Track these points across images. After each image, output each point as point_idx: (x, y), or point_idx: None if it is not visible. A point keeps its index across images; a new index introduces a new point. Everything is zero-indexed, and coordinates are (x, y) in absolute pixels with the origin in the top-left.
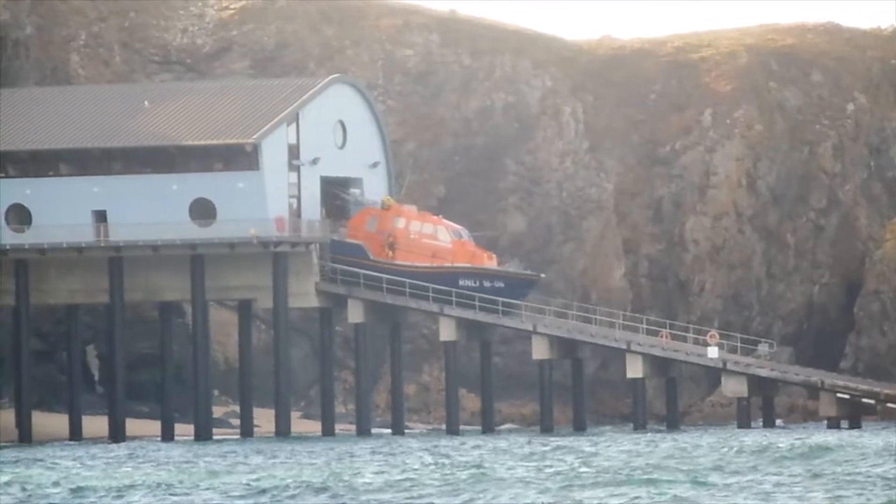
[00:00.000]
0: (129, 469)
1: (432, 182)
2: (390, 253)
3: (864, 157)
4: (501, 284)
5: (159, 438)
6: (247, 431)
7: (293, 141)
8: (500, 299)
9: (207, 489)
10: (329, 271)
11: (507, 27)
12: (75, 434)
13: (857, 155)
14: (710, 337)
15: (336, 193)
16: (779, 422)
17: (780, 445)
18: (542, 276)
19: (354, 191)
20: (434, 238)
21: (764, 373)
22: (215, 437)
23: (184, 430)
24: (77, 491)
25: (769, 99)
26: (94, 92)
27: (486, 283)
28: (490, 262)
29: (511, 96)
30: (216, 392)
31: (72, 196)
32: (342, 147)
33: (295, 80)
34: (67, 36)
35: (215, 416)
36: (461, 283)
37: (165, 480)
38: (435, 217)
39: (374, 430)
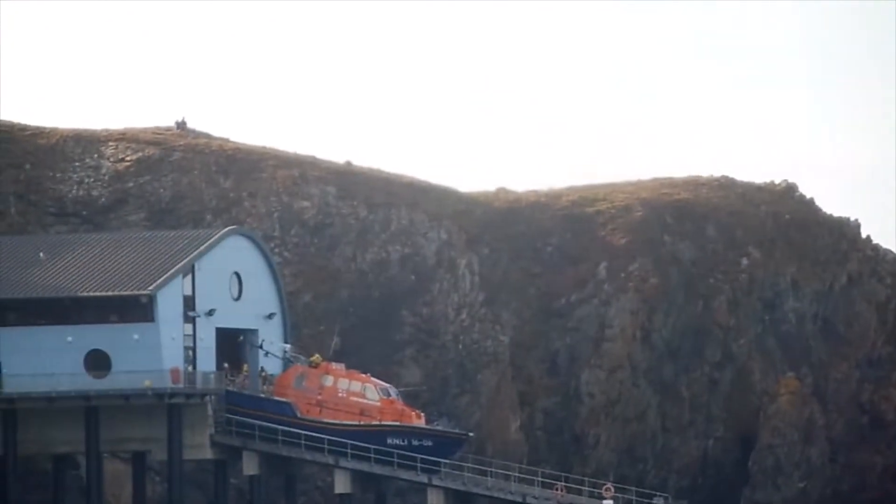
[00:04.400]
0: None
1: (328, 334)
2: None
3: (758, 311)
4: (430, 443)
5: None
6: None
7: (189, 292)
8: (399, 453)
9: None
10: (224, 423)
11: (402, 179)
12: None
13: (752, 309)
14: (606, 490)
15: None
16: None
17: None
18: (471, 434)
19: (284, 346)
20: (362, 396)
21: None
22: None
23: None
24: None
25: (664, 252)
26: None
27: (415, 442)
28: (418, 420)
29: (407, 248)
30: None
31: None
32: (238, 298)
33: (191, 231)
34: None
35: None
36: (389, 441)
37: None
38: (363, 375)
39: None
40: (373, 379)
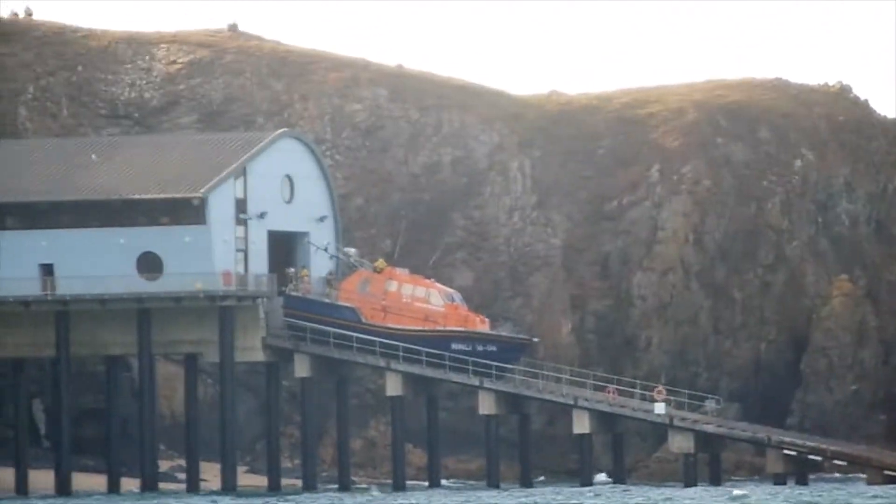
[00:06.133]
0: None
1: (379, 237)
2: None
3: (811, 213)
4: (494, 348)
5: (105, 492)
6: (193, 485)
7: (241, 195)
8: (463, 359)
9: None
10: (282, 326)
11: (454, 82)
12: (21, 488)
13: (805, 211)
14: (657, 393)
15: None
16: (725, 478)
17: None
18: (535, 339)
19: (349, 250)
20: (426, 301)
21: (711, 429)
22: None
23: (131, 484)
24: None
25: (717, 154)
26: (41, 145)
27: (479, 347)
28: (483, 325)
29: (458, 151)
30: (162, 446)
31: (19, 249)
32: (289, 201)
33: (243, 133)
34: (15, 90)
35: (161, 470)
36: (454, 346)
37: None
38: (427, 280)
39: (320, 486)
40: (437, 284)
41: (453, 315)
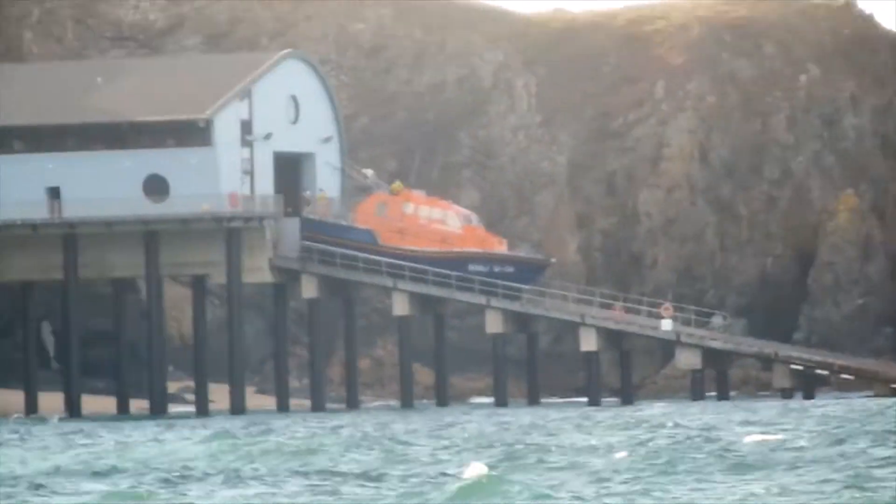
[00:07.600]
0: None
1: (385, 157)
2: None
3: (816, 128)
4: (511, 269)
5: (115, 414)
6: (202, 407)
7: (246, 116)
8: (460, 275)
9: None
10: (293, 248)
11: (458, 1)
12: (31, 410)
13: (810, 126)
14: (664, 310)
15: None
16: (733, 393)
17: None
18: (553, 260)
19: (367, 172)
20: (443, 223)
21: (717, 345)
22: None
23: (140, 405)
24: None
25: (722, 71)
26: (47, 69)
27: (496, 268)
28: (500, 246)
29: (463, 70)
30: (171, 368)
31: (25, 173)
32: (295, 122)
33: (247, 55)
34: (20, 13)
35: (170, 391)
36: (471, 268)
37: None
38: (444, 202)
39: (328, 405)
40: (454, 206)
41: (471, 236)
